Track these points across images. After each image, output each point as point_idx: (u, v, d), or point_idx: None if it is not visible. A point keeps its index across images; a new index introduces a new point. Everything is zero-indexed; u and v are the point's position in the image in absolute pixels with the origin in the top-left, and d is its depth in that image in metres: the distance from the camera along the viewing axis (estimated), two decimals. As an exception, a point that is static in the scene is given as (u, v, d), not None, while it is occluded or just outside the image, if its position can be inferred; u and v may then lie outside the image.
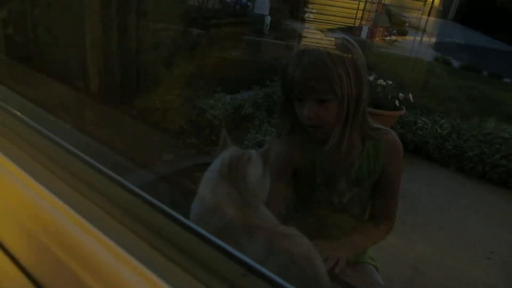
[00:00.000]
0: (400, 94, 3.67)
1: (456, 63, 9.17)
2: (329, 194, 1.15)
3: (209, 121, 3.35)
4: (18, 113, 0.65)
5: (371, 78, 3.70)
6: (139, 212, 0.47)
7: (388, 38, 10.91)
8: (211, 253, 0.42)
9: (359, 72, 1.04)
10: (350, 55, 1.04)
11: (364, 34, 10.29)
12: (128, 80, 2.65)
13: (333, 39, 1.08)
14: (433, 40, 11.17)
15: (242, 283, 0.40)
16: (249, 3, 7.84)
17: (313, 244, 1.00)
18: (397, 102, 3.61)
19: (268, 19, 7.41)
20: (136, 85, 2.80)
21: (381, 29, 10.46)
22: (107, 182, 0.52)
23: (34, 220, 0.50)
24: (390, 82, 3.76)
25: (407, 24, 11.53)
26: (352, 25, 10.49)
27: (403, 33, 11.61)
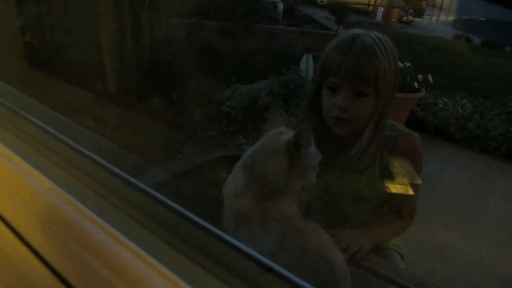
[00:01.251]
0: (419, 76, 3.59)
1: (477, 40, 8.89)
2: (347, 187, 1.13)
3: (226, 113, 3.36)
4: (41, 122, 0.67)
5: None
6: (160, 217, 0.49)
7: (404, 18, 10.66)
8: (230, 253, 0.43)
9: (397, 69, 1.02)
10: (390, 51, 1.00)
11: (379, 16, 10.08)
12: (143, 77, 2.68)
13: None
14: (452, 17, 10.85)
15: (259, 281, 0.41)
16: (261, -9, 7.76)
17: (335, 232, 1.01)
18: (416, 84, 3.54)
19: (280, 6, 7.34)
20: (152, 81, 2.83)
21: (397, 9, 10.21)
22: (126, 186, 0.53)
23: (61, 223, 0.52)
24: (408, 64, 3.68)
25: (423, 3, 11.22)
26: (367, 8, 10.31)
27: (420, 12, 11.31)
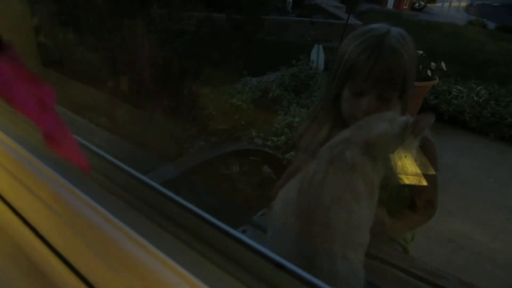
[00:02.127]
0: (432, 63, 3.54)
1: (491, 25, 8.69)
2: None
3: (238, 106, 3.37)
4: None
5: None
6: (176, 216, 0.50)
7: (416, 5, 10.47)
8: (242, 251, 0.44)
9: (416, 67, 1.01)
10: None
11: (390, 3, 9.92)
12: (154, 72, 2.69)
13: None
14: (465, 2, 10.62)
15: (270, 277, 0.42)
16: (269, -18, 7.67)
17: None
18: (429, 72, 3.49)
19: (290, -4, 7.26)
20: (163, 76, 2.84)
21: (409, -4, 10.03)
22: (143, 187, 0.54)
23: (83, 226, 0.53)
24: (421, 52, 3.63)
25: (436, -12, 10.98)
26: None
27: (433, -2, 11.09)
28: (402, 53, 0.94)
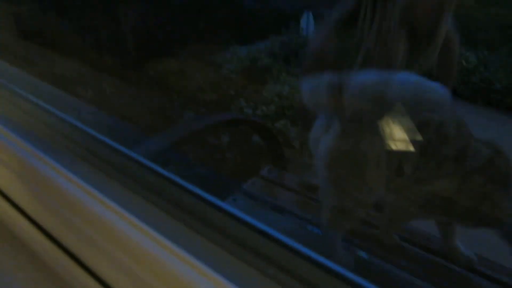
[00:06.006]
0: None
1: (481, -10, 8.56)
2: None
3: (226, 76, 3.32)
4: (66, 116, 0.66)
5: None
6: (198, 211, 0.48)
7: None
8: (262, 241, 0.43)
9: None
10: None
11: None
12: (139, 41, 2.63)
13: None
14: (456, -34, 10.41)
15: (290, 267, 0.41)
16: None
17: None
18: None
19: (278, -39, 7.04)
20: (148, 46, 2.78)
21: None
22: (157, 178, 0.53)
23: (90, 223, 0.53)
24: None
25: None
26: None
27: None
28: None
